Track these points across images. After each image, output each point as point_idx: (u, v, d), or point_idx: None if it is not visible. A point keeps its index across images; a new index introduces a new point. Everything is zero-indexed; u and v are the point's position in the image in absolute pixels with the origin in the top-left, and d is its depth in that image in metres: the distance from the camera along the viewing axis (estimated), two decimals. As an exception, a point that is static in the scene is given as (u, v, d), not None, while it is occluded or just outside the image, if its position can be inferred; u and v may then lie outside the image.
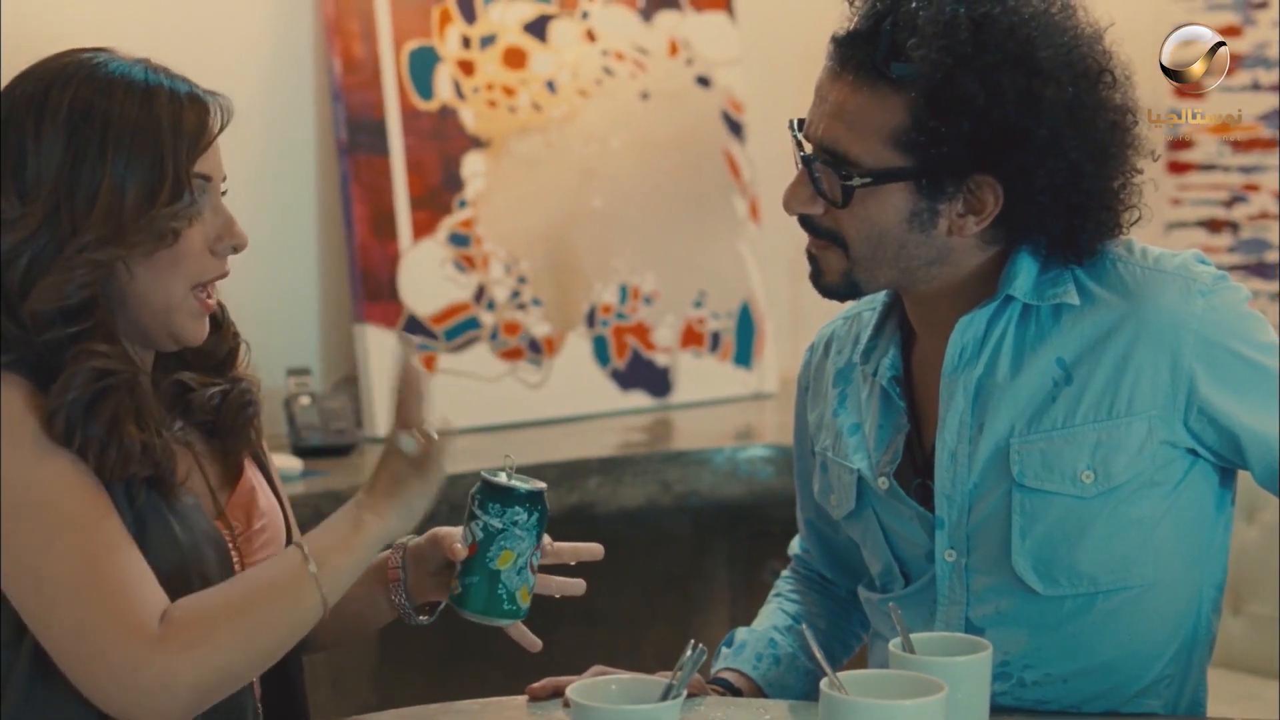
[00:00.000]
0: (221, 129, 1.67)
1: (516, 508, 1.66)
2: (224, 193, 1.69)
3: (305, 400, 3.16)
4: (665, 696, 1.49)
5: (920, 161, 1.73)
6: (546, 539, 1.72)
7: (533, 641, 1.78)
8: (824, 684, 1.47)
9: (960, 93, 1.70)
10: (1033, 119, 1.71)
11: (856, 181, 1.74)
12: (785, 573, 2.11)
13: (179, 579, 1.62)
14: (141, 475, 1.61)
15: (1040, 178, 1.73)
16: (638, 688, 1.52)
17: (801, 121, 1.81)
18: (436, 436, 1.64)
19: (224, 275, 1.69)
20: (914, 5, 1.72)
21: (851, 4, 1.78)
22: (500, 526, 1.66)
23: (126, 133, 1.61)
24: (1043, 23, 1.73)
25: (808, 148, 1.79)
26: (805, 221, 1.81)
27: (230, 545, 1.70)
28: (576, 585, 1.80)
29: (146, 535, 1.61)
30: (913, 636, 1.59)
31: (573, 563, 1.79)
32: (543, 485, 1.69)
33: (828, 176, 1.77)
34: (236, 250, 1.69)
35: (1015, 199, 1.75)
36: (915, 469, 1.86)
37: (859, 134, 1.74)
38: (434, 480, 1.64)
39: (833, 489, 1.93)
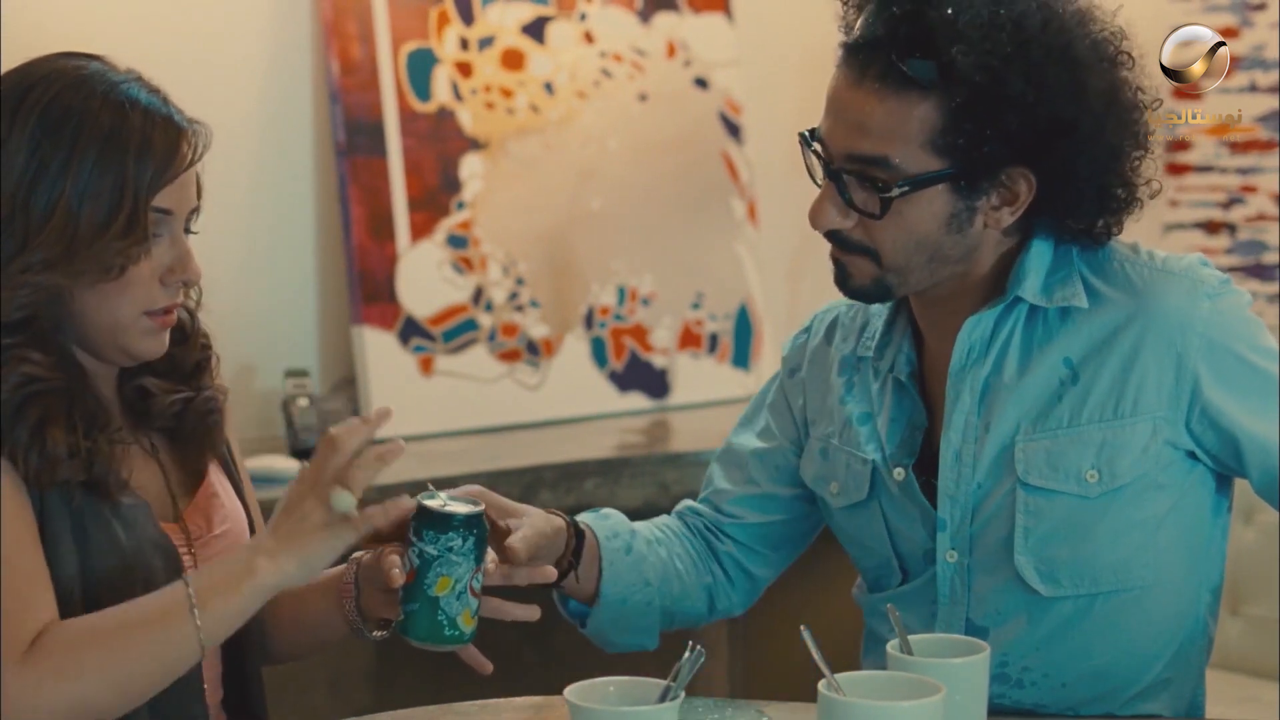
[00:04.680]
0: (193, 161, 1.63)
1: (451, 534, 1.62)
2: (195, 213, 1.66)
3: (303, 402, 3.16)
4: (663, 698, 1.49)
5: (959, 162, 1.72)
6: (494, 561, 1.70)
7: (482, 664, 1.73)
8: (822, 685, 1.47)
9: (1008, 92, 1.69)
10: (1078, 110, 1.71)
11: (895, 191, 1.72)
12: (670, 517, 2.04)
13: (121, 582, 1.60)
14: (75, 480, 1.59)
15: (1081, 165, 1.73)
16: (635, 689, 1.52)
17: (813, 132, 1.77)
18: (356, 509, 1.55)
19: (174, 306, 1.66)
20: (940, 8, 1.69)
21: (850, 8, 1.75)
22: (435, 553, 1.62)
23: (94, 145, 1.58)
24: (1070, 14, 1.74)
25: (833, 160, 1.75)
26: (834, 236, 1.78)
27: (186, 549, 1.68)
28: (530, 611, 1.72)
29: (87, 539, 1.59)
30: (911, 638, 1.59)
31: (524, 585, 1.74)
32: (480, 508, 1.65)
33: (860, 189, 1.74)
34: (188, 285, 1.66)
35: (1051, 186, 1.75)
36: (922, 467, 1.86)
37: (891, 142, 1.71)
38: (345, 544, 1.57)
39: (835, 477, 1.92)
